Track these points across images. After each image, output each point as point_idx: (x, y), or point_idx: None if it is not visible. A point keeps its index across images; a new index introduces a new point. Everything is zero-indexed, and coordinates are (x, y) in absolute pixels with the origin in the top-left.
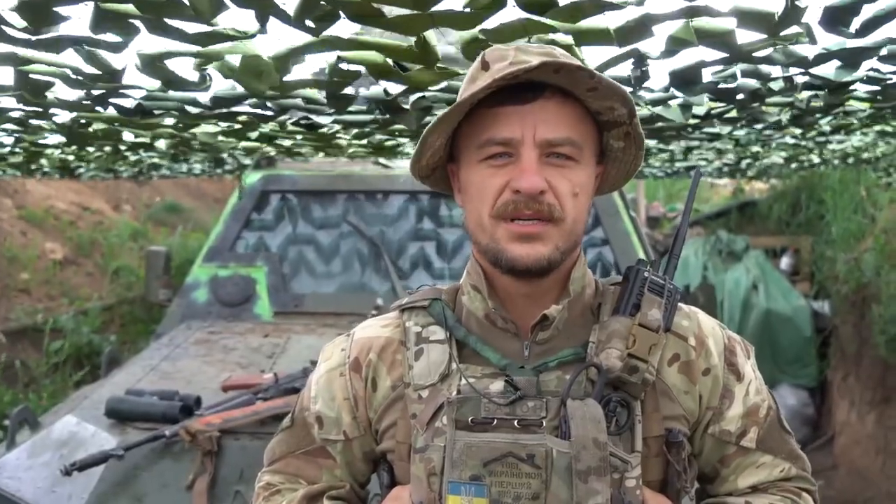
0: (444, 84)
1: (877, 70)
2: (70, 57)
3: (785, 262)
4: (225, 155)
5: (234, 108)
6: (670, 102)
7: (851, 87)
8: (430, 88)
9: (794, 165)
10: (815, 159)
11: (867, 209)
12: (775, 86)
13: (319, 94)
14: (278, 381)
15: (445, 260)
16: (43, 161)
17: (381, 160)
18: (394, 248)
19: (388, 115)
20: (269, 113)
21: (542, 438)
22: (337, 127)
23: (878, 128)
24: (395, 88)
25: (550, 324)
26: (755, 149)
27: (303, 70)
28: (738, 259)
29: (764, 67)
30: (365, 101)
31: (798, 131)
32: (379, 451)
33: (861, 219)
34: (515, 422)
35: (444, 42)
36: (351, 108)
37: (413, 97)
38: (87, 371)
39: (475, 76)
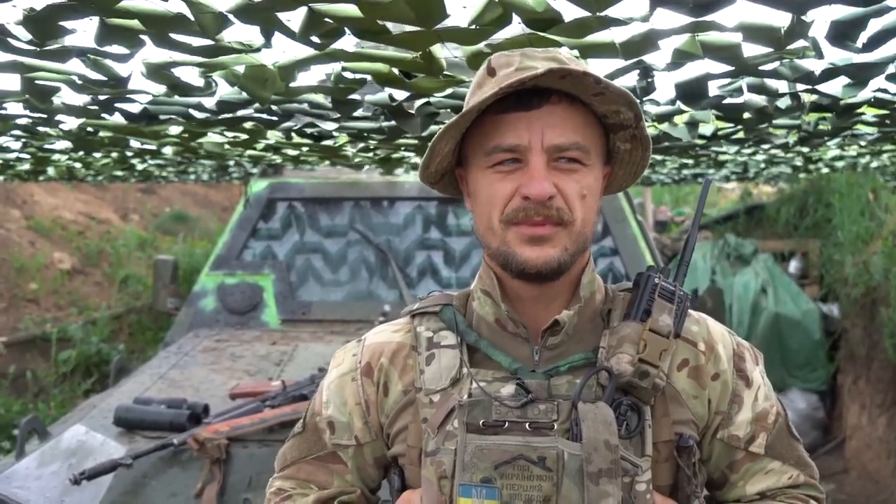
0: (449, 91)
1: (885, 90)
2: (76, 65)
3: (793, 265)
4: (231, 163)
5: (240, 113)
6: (676, 119)
7: (859, 111)
8: (434, 94)
9: (801, 175)
10: (823, 169)
11: (875, 212)
12: (782, 104)
13: (325, 100)
14: (286, 389)
15: (453, 269)
16: (50, 169)
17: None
18: (401, 257)
19: (393, 122)
20: (275, 119)
21: (554, 441)
22: (343, 139)
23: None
24: (400, 95)
25: (561, 329)
26: (760, 160)
27: (308, 77)
28: (746, 263)
29: (771, 82)
30: (370, 108)
31: (806, 149)
32: (390, 455)
33: (869, 222)
34: (527, 424)
35: (451, 52)
36: (356, 114)
37: (418, 103)
38: (95, 380)
39: (481, 82)
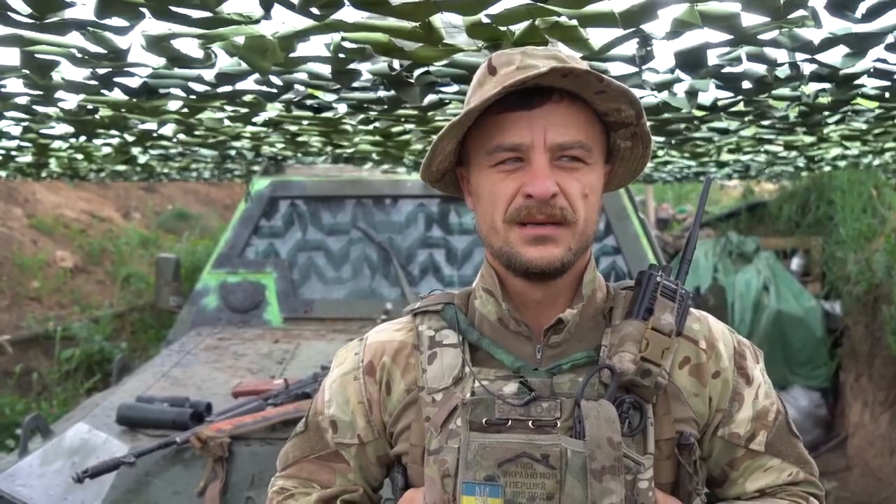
0: (447, 60)
1: (884, 60)
2: (75, 38)
3: (795, 262)
4: (233, 153)
5: (239, 86)
6: (676, 88)
7: (859, 83)
8: (434, 63)
9: (803, 173)
10: (825, 166)
11: (877, 209)
12: (781, 73)
13: (324, 70)
14: (289, 387)
15: (455, 267)
16: (52, 161)
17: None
18: (403, 255)
19: (392, 91)
20: (274, 91)
21: (557, 439)
22: (343, 110)
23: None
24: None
25: (564, 327)
26: (762, 161)
27: (308, 48)
28: (748, 260)
29: (770, 52)
30: (370, 78)
31: (809, 140)
32: (393, 454)
33: (871, 219)
34: (530, 422)
35: (454, 37)
36: (355, 85)
37: (417, 71)
38: (98, 378)
39: (482, 81)
